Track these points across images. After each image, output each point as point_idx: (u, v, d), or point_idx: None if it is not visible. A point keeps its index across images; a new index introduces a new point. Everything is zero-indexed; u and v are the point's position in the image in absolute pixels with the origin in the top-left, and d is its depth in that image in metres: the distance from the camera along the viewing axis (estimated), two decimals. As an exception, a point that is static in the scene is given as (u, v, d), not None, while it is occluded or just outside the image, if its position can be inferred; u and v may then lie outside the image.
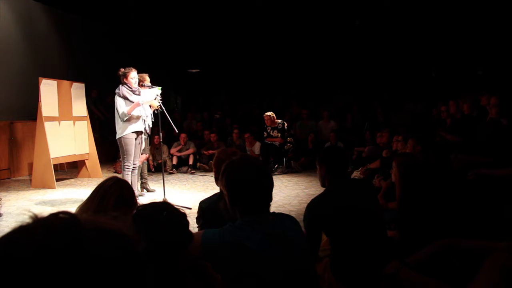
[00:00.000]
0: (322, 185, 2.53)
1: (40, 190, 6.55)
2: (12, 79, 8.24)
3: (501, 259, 1.20)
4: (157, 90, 5.33)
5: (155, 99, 5.44)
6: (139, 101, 5.11)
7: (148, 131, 5.66)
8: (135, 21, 11.25)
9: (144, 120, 5.38)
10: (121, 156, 5.31)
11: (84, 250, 0.55)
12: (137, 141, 5.29)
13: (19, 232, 0.58)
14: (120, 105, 5.10)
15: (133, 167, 5.29)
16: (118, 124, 5.16)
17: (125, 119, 5.09)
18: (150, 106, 5.58)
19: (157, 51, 12.62)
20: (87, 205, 2.02)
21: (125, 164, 5.20)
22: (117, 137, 5.20)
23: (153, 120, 5.71)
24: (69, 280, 0.53)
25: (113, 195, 2.00)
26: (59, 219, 0.59)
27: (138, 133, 5.28)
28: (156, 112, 5.49)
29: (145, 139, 5.71)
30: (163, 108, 5.35)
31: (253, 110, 11.37)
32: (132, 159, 5.22)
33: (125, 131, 5.13)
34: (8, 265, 0.53)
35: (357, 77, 12.27)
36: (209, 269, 1.55)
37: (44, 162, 6.70)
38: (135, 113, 5.13)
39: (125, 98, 5.10)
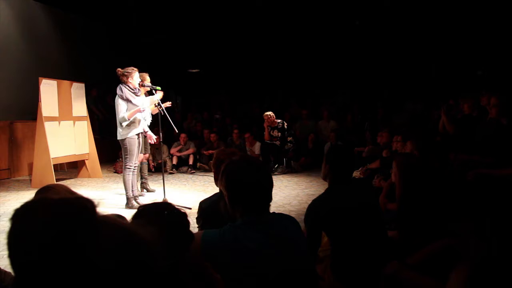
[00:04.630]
0: (323, 179, 2.54)
1: (40, 190, 6.54)
2: (12, 79, 8.24)
3: (464, 270, 1.21)
4: (157, 95, 5.34)
5: (155, 105, 5.47)
6: (140, 108, 5.08)
7: (145, 131, 5.67)
8: (135, 21, 11.25)
9: (145, 120, 5.38)
10: (123, 156, 5.29)
11: (91, 239, 0.56)
12: (139, 141, 5.30)
13: (40, 205, 0.60)
14: (122, 109, 5.07)
15: (135, 167, 5.29)
16: (121, 126, 5.14)
17: (124, 123, 5.07)
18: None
19: (157, 51, 12.62)
20: None
21: (127, 164, 5.19)
22: (120, 138, 5.17)
23: (151, 121, 5.73)
24: (72, 259, 0.54)
25: None
26: (79, 202, 0.61)
27: (139, 134, 5.29)
28: (161, 113, 5.47)
29: (143, 138, 5.74)
30: (164, 109, 5.36)
31: (253, 110, 11.37)
32: (134, 160, 5.22)
33: (129, 133, 5.12)
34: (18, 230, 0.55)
35: (357, 77, 12.27)
36: (209, 269, 1.55)
37: (44, 162, 6.70)
38: (138, 115, 5.13)
39: (128, 100, 5.07)
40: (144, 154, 6.08)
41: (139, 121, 5.20)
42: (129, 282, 0.59)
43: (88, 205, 0.62)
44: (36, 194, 1.87)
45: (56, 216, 0.58)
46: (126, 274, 0.59)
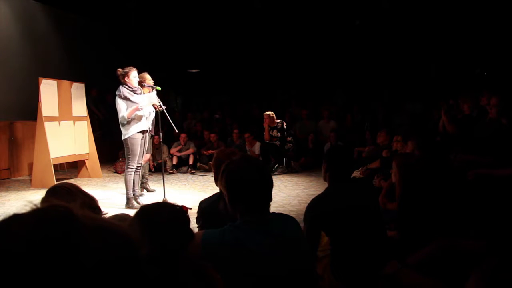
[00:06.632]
0: (324, 179, 2.54)
1: (40, 190, 6.54)
2: (12, 79, 8.24)
3: (488, 269, 1.21)
4: (153, 93, 5.30)
5: (155, 104, 5.45)
6: (138, 106, 5.06)
7: (151, 130, 5.65)
8: (135, 21, 11.26)
9: (147, 118, 5.34)
10: (125, 156, 5.28)
11: (76, 245, 0.55)
12: (143, 141, 5.28)
13: (13, 221, 0.58)
14: (121, 108, 5.05)
15: (137, 167, 5.27)
16: (123, 125, 5.12)
17: (124, 122, 5.06)
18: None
19: (157, 51, 12.63)
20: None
21: (130, 164, 5.17)
22: (123, 138, 5.15)
23: (154, 120, 5.71)
24: (57, 273, 0.53)
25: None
26: (55, 211, 0.59)
27: (143, 132, 5.25)
28: (158, 111, 5.47)
29: (149, 138, 5.72)
30: (164, 108, 5.35)
31: (253, 110, 11.37)
32: (137, 159, 5.21)
33: (132, 132, 5.09)
34: None
35: (357, 77, 12.28)
36: (209, 269, 1.55)
37: (44, 162, 6.70)
38: (138, 113, 5.10)
39: (126, 99, 5.05)
40: (147, 154, 6.07)
41: (141, 118, 5.15)
42: (122, 281, 0.59)
43: (65, 211, 0.60)
44: (47, 193, 1.83)
45: (32, 229, 0.57)
46: (116, 273, 0.58)
